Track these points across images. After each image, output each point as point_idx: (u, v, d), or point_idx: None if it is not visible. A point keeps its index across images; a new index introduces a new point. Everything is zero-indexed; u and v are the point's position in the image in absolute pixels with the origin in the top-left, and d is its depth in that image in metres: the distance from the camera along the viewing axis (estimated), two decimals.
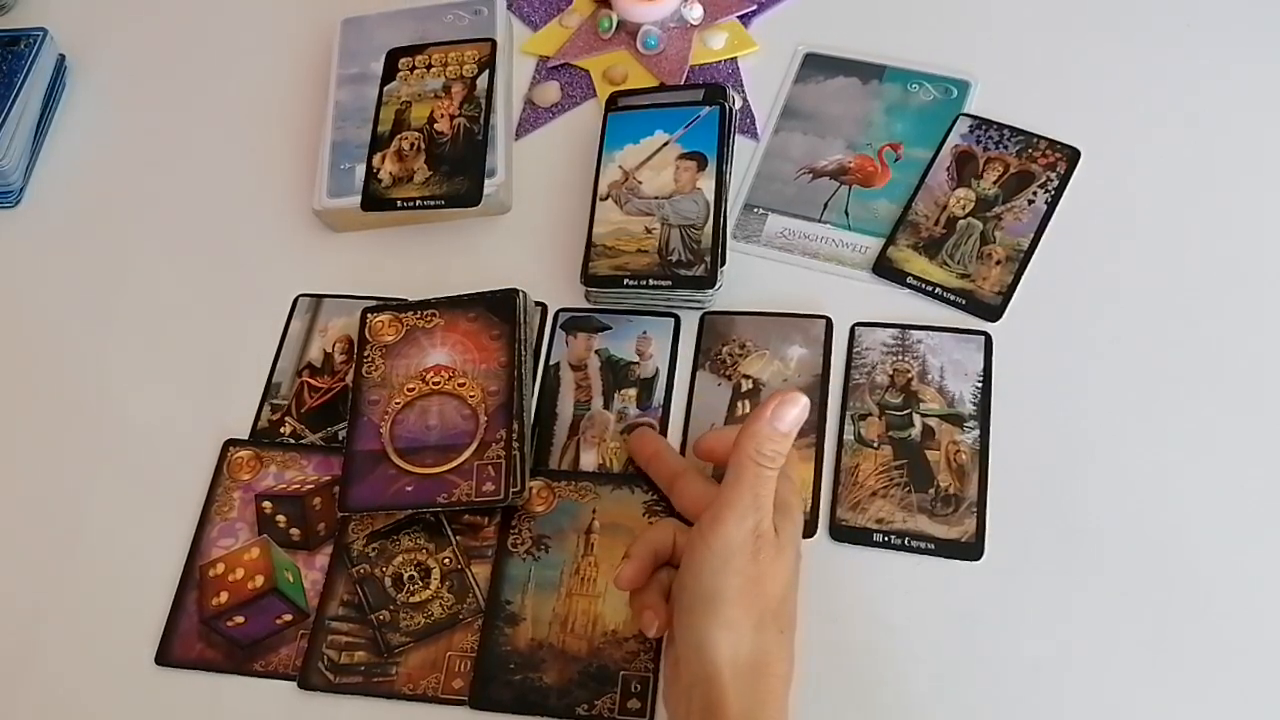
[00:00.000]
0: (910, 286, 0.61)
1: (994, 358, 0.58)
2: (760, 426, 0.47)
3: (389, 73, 0.70)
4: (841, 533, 0.54)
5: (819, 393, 0.58)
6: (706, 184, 0.62)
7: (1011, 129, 0.64)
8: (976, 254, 0.61)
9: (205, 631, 0.56)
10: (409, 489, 0.56)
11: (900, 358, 0.59)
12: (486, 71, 0.69)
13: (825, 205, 0.64)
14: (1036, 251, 0.60)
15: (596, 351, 0.62)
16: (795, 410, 0.47)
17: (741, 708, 0.44)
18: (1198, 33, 0.67)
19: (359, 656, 0.55)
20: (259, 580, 0.57)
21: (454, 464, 0.56)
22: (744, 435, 0.48)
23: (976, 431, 0.56)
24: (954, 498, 0.54)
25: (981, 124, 0.65)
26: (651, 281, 0.60)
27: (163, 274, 0.69)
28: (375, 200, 0.65)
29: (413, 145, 0.67)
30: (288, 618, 0.56)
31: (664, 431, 0.59)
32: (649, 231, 0.61)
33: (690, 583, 0.47)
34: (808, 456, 0.56)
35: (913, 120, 0.66)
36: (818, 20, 0.71)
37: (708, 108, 0.64)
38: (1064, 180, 0.62)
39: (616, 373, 0.61)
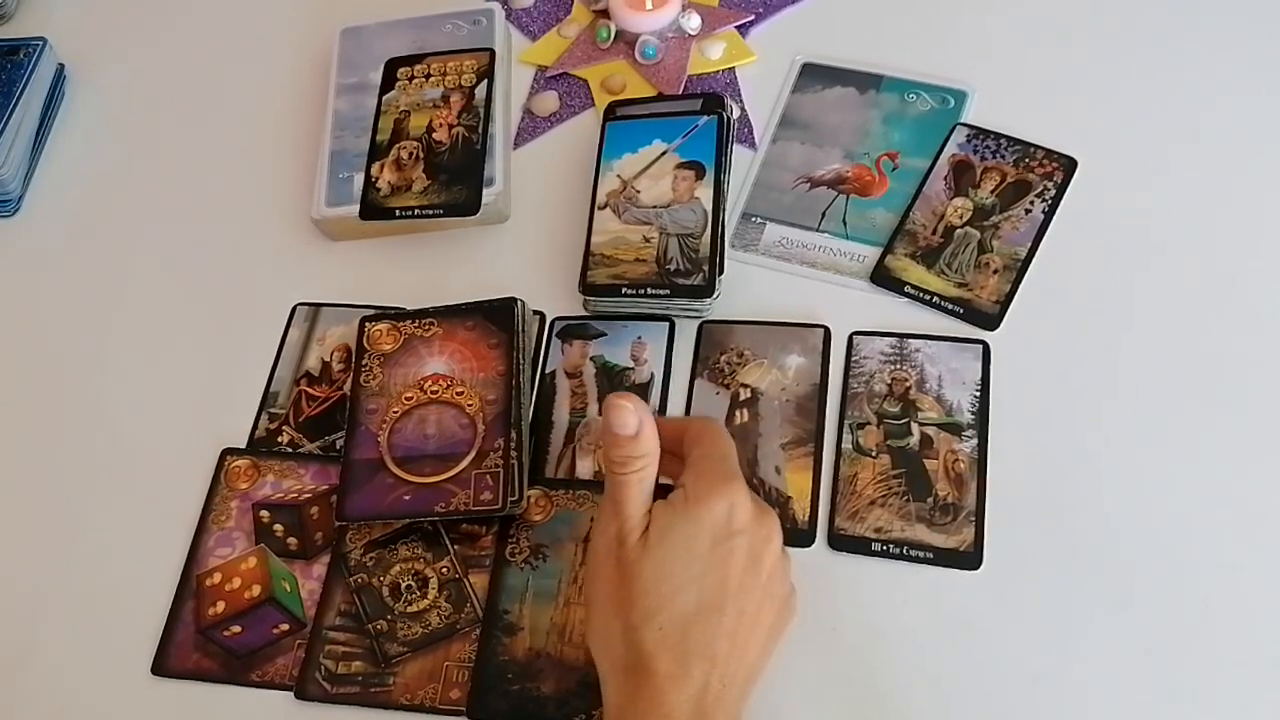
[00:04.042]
0: (908, 295, 0.61)
1: (992, 366, 0.58)
2: (604, 435, 0.47)
3: (388, 82, 0.70)
4: (840, 542, 0.54)
5: (817, 402, 0.58)
6: (704, 193, 0.62)
7: (1008, 138, 0.64)
8: (974, 263, 0.61)
9: (202, 641, 0.56)
10: (407, 498, 0.56)
11: (898, 367, 0.59)
12: (485, 81, 0.69)
13: (823, 214, 0.64)
14: (1034, 260, 0.60)
15: (592, 358, 0.62)
16: (623, 415, 0.46)
17: (616, 705, 0.45)
18: (1194, 42, 0.67)
19: (356, 666, 0.54)
20: (256, 590, 0.56)
21: (452, 473, 0.56)
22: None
23: (974, 440, 0.56)
24: (952, 507, 0.54)
25: (978, 133, 0.65)
26: (650, 290, 0.60)
27: (161, 282, 0.69)
28: (374, 209, 0.65)
29: (411, 154, 0.67)
30: (285, 627, 0.56)
31: None
32: (647, 240, 0.61)
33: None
34: (806, 465, 0.56)
35: (910, 130, 0.66)
36: (815, 30, 0.72)
37: (706, 117, 0.64)
38: (1061, 189, 0.62)
39: (611, 378, 0.61)
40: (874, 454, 0.56)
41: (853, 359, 0.59)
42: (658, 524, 0.47)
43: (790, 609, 0.49)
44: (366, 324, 0.62)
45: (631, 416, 0.46)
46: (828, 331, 0.60)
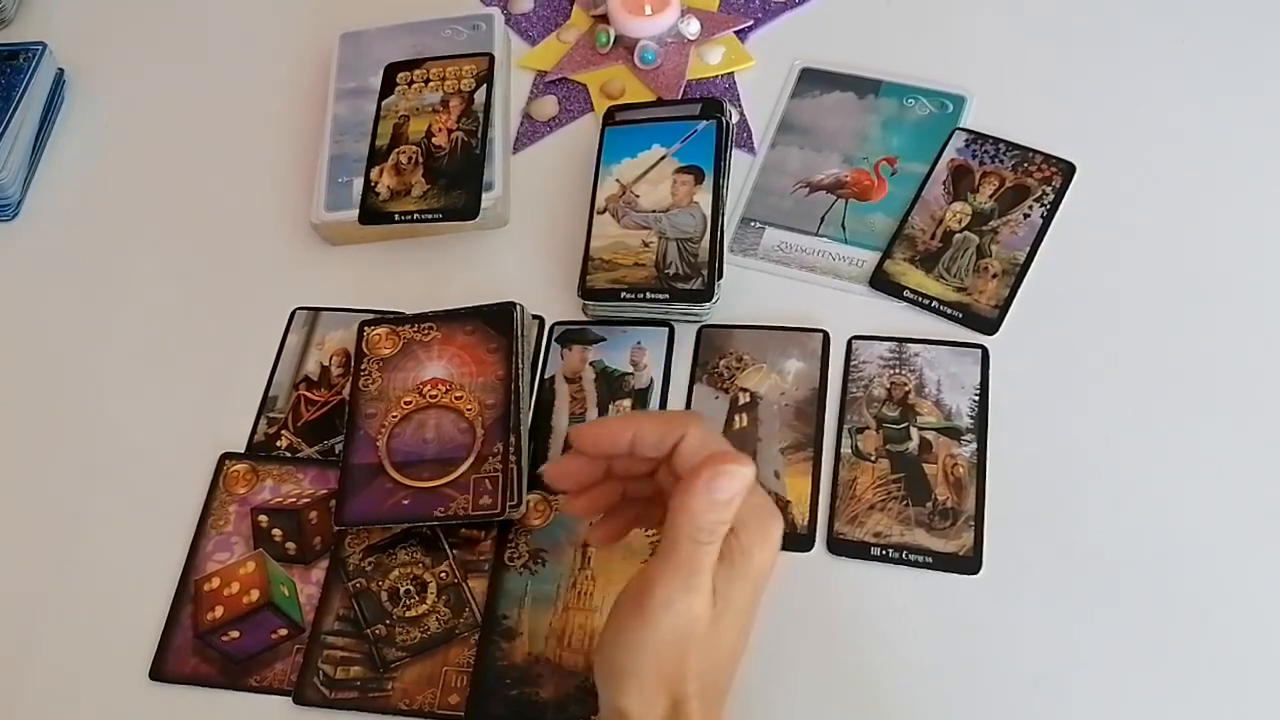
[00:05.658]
0: (907, 300, 0.61)
1: (991, 371, 0.58)
2: (696, 500, 0.40)
3: (387, 87, 0.70)
4: (839, 546, 0.54)
5: (816, 406, 0.58)
6: (703, 198, 0.62)
7: (1007, 143, 0.65)
8: (973, 267, 0.61)
9: (200, 646, 0.56)
10: (406, 503, 0.56)
11: (897, 371, 0.59)
12: (484, 86, 0.69)
13: (822, 219, 0.64)
14: (1033, 265, 0.61)
15: (591, 363, 0.62)
16: (732, 482, 0.40)
17: None
18: (1192, 48, 0.67)
19: (355, 671, 0.54)
20: (254, 594, 0.56)
21: (451, 478, 0.56)
22: (678, 509, 0.41)
23: (974, 445, 0.56)
24: (951, 511, 0.54)
25: (977, 138, 0.65)
26: (649, 295, 0.60)
27: (160, 287, 0.69)
28: (373, 214, 0.66)
29: (410, 159, 0.67)
30: (283, 632, 0.56)
31: None
32: (646, 245, 0.61)
33: (608, 646, 0.43)
34: (805, 470, 0.56)
35: (909, 134, 0.66)
36: (814, 35, 0.72)
37: (705, 122, 0.64)
38: (1059, 194, 0.63)
39: (611, 384, 0.61)
40: (873, 458, 0.56)
41: (852, 363, 0.59)
42: (723, 596, 0.42)
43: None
44: (365, 328, 0.62)
45: (742, 487, 0.40)
46: (827, 336, 0.60)
